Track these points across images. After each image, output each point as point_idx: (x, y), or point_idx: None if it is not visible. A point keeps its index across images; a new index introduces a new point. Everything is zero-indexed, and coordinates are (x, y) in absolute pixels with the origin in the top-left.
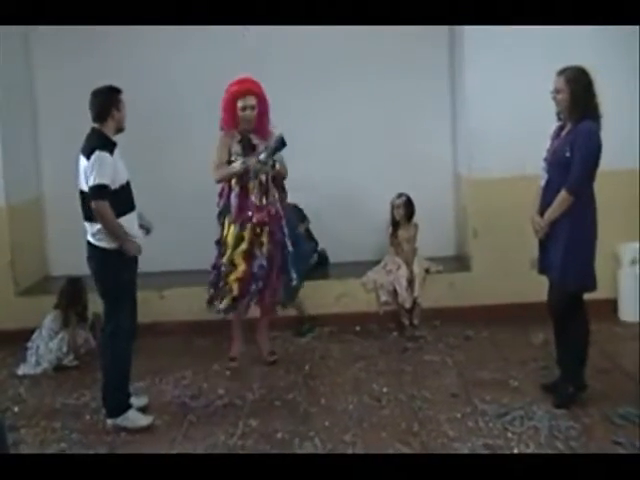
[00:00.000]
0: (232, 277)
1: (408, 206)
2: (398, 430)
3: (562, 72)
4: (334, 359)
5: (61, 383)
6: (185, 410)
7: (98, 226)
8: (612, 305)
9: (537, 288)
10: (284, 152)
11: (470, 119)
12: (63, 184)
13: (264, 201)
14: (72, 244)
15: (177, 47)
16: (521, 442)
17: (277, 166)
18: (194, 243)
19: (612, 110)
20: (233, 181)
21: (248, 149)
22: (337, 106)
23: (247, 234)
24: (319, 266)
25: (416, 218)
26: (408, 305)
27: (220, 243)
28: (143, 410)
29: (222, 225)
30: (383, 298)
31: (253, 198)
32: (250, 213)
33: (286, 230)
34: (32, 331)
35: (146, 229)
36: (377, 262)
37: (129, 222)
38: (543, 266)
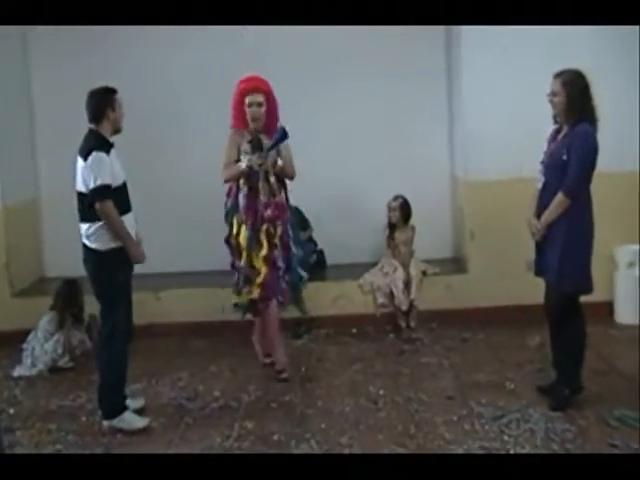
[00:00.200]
0: (257, 281)
1: (404, 208)
2: (394, 432)
3: (558, 75)
4: (331, 361)
5: (57, 385)
6: (181, 412)
7: (92, 228)
8: (608, 308)
9: (533, 290)
10: (294, 154)
11: (467, 121)
12: (59, 185)
13: (272, 199)
14: (68, 245)
15: (176, 47)
16: (517, 444)
17: (280, 162)
18: (191, 245)
19: (610, 112)
20: (241, 181)
21: (257, 148)
22: (334, 107)
23: (263, 236)
24: (317, 267)
25: (413, 220)
26: (405, 307)
27: (229, 242)
28: (139, 412)
29: (230, 224)
30: (380, 300)
31: (262, 197)
32: (260, 211)
33: (290, 232)
34: (28, 332)
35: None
36: (374, 264)
37: (127, 223)
38: (540, 268)
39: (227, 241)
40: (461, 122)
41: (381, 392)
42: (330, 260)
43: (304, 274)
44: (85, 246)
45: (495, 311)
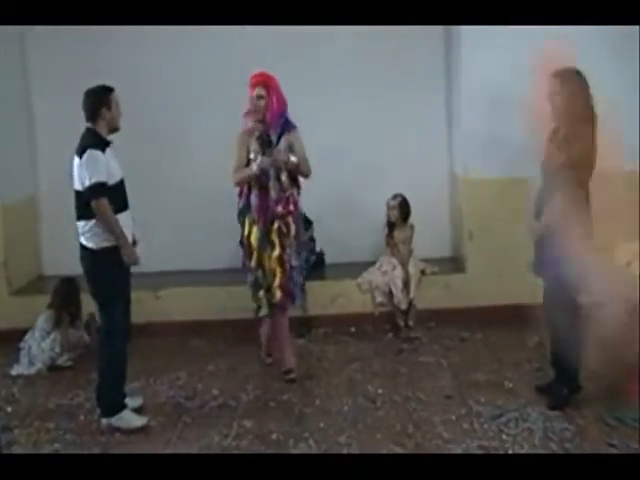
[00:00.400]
0: (275, 284)
1: (403, 207)
2: (393, 431)
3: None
4: (329, 360)
5: (55, 383)
6: (179, 411)
7: (87, 225)
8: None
9: (532, 290)
10: (310, 153)
11: (466, 120)
12: (57, 183)
13: (283, 194)
14: (66, 244)
15: (177, 47)
16: (516, 444)
17: (293, 159)
18: (190, 243)
19: (610, 111)
20: (253, 181)
21: (266, 145)
22: (333, 107)
23: (275, 236)
24: (316, 267)
25: (412, 219)
26: (403, 306)
27: (242, 243)
28: (138, 411)
29: (242, 225)
30: (378, 299)
31: (272, 193)
32: (271, 207)
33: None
34: (25, 331)
35: (133, 240)
36: (372, 263)
37: (123, 221)
38: (538, 268)
39: (241, 242)
40: (460, 121)
41: (379, 391)
42: (329, 259)
43: (304, 273)
44: (81, 244)
45: (494, 310)
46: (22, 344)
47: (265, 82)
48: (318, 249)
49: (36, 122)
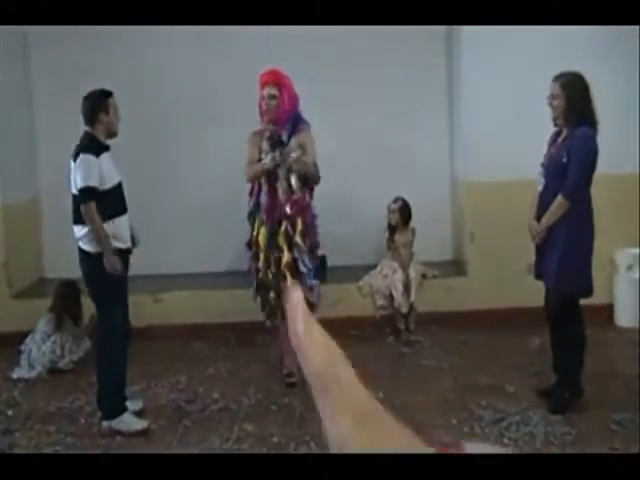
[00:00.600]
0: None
1: (404, 211)
2: None
3: (558, 78)
4: None
5: (56, 386)
6: (180, 414)
7: (83, 230)
8: (608, 310)
9: (533, 293)
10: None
11: (468, 123)
12: (59, 185)
13: (292, 196)
14: (67, 246)
15: (183, 47)
16: (517, 448)
17: (293, 155)
18: (191, 246)
19: (610, 113)
20: (263, 180)
21: (277, 145)
22: (333, 109)
23: (282, 240)
24: (318, 270)
25: (413, 222)
26: (404, 310)
27: (250, 245)
28: (138, 414)
29: (252, 226)
30: (379, 302)
31: (280, 195)
32: (279, 208)
33: (317, 230)
34: (26, 334)
35: (134, 241)
36: (373, 266)
37: (120, 225)
38: (540, 271)
39: (249, 243)
40: (461, 124)
41: (380, 395)
42: (329, 262)
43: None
44: (79, 248)
45: (495, 314)
46: (23, 347)
47: (277, 80)
48: (321, 253)
49: (38, 122)
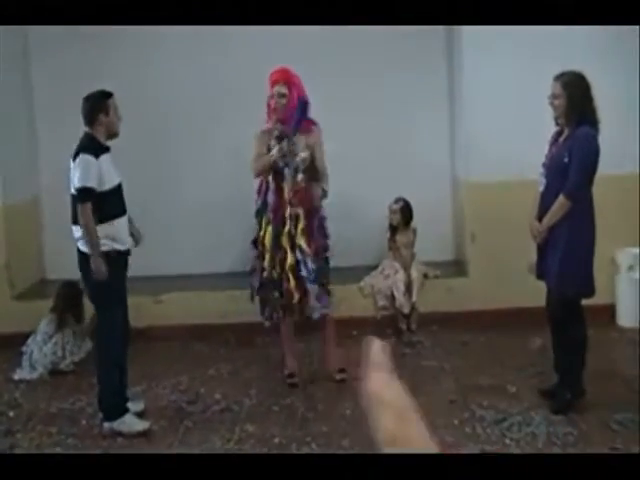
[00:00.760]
0: (290, 285)
1: (405, 211)
2: None
3: (559, 77)
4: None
5: (57, 388)
6: (182, 415)
7: (81, 231)
8: (610, 310)
9: (535, 293)
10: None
11: (468, 123)
12: (60, 185)
13: (296, 193)
14: (69, 247)
15: (184, 48)
16: (519, 448)
17: (303, 154)
18: (193, 247)
19: (610, 113)
20: (270, 178)
21: (284, 144)
22: (334, 109)
23: (285, 240)
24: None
25: (414, 222)
26: (406, 310)
27: (256, 243)
28: (139, 415)
29: (259, 224)
30: (380, 303)
31: (286, 194)
32: (283, 205)
33: (327, 232)
34: (28, 335)
35: (135, 239)
36: (375, 267)
37: (119, 226)
38: (541, 271)
39: (255, 242)
40: (462, 124)
41: None
42: (331, 263)
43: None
44: (78, 249)
45: (496, 314)
46: (24, 348)
47: (287, 79)
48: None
49: (39, 122)
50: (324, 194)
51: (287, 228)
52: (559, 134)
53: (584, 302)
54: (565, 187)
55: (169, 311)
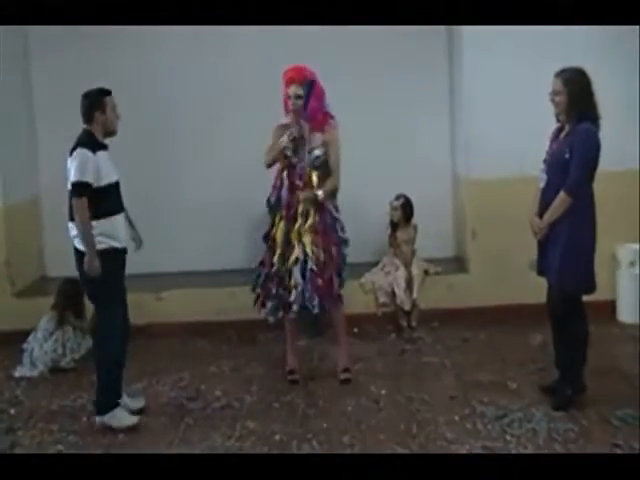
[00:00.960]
0: (291, 284)
1: (406, 208)
2: (396, 432)
3: (560, 74)
4: (332, 361)
5: (58, 385)
6: (182, 412)
7: (76, 228)
8: (611, 306)
9: (536, 290)
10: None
11: (469, 119)
12: (60, 184)
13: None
14: (69, 245)
15: (185, 47)
16: (519, 444)
17: (317, 152)
18: (193, 244)
19: (611, 110)
20: (284, 174)
21: (298, 141)
22: (335, 107)
23: (294, 237)
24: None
25: (415, 219)
26: (406, 307)
27: (268, 238)
28: (140, 412)
29: (272, 220)
30: (381, 299)
31: (299, 192)
32: (295, 203)
33: (341, 233)
34: (28, 333)
35: (137, 243)
36: (375, 263)
37: (116, 223)
38: (542, 268)
39: (266, 237)
40: (463, 121)
41: (383, 392)
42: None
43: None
44: (74, 247)
45: (497, 310)
46: (25, 345)
47: (302, 79)
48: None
49: (39, 121)
50: (335, 191)
51: (298, 225)
52: (560, 130)
53: (585, 298)
54: (566, 183)
55: (170, 308)
